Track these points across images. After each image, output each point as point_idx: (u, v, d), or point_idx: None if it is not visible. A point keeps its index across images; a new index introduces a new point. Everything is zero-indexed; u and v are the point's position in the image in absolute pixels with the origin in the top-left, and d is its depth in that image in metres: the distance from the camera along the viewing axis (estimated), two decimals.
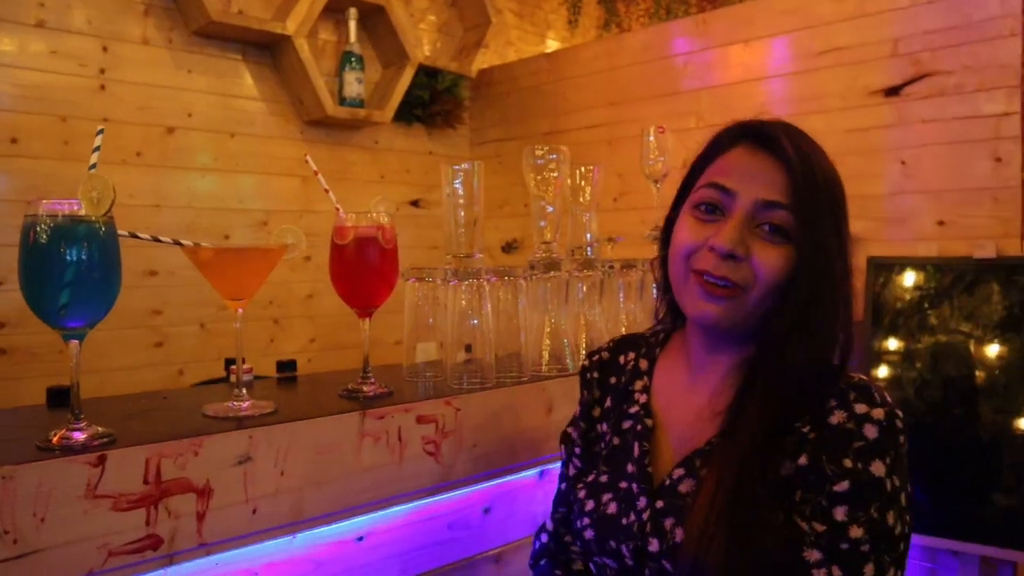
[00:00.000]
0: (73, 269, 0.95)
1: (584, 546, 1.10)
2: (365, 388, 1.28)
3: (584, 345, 1.60)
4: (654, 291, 1.71)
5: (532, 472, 1.49)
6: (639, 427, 1.09)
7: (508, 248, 3.62)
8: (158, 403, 1.25)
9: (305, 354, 3.15)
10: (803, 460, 0.93)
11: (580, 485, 1.12)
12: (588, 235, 1.78)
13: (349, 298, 1.31)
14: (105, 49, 2.73)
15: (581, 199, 1.78)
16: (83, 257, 0.95)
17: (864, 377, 0.98)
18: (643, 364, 1.16)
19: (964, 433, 2.19)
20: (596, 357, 1.23)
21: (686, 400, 1.09)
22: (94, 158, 1.04)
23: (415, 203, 3.64)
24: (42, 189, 2.57)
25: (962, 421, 2.20)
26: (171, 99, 2.88)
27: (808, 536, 0.90)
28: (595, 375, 1.21)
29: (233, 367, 1.50)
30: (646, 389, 1.13)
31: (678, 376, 1.12)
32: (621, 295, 1.68)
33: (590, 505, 1.08)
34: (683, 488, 0.99)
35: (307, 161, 1.31)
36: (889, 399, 0.95)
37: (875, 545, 0.89)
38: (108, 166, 2.68)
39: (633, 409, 1.12)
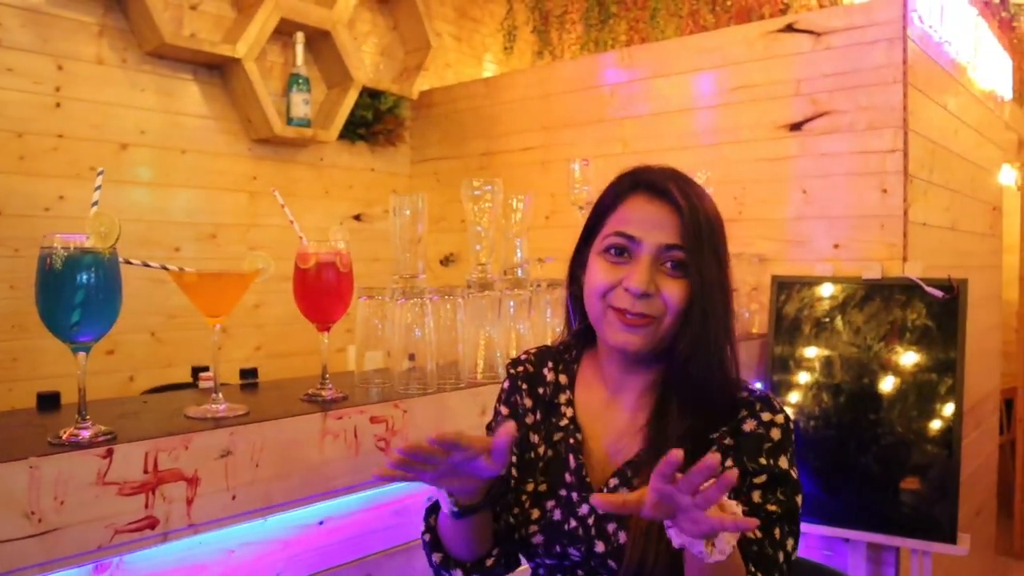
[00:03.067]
0: (83, 292, 1.12)
1: (529, 550, 1.21)
2: (324, 393, 1.47)
3: (515, 355, 1.81)
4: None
5: None
6: (571, 440, 1.22)
7: (446, 261, 3.82)
8: (140, 406, 1.42)
9: (251, 361, 3.29)
10: (729, 463, 1.13)
11: (522, 495, 1.22)
12: (518, 255, 1.99)
13: (310, 314, 1.49)
14: (60, 68, 2.84)
15: (513, 223, 1.99)
16: (91, 282, 1.12)
17: (759, 388, 1.19)
18: (563, 379, 1.29)
19: (851, 431, 2.47)
20: (521, 368, 1.33)
21: (607, 415, 1.23)
22: (96, 196, 1.20)
23: (357, 217, 3.82)
24: (0, 203, 2.68)
25: (850, 422, 2.48)
26: (124, 117, 3.00)
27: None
28: (524, 385, 1.30)
29: (202, 374, 1.67)
30: (571, 403, 1.26)
31: (597, 393, 1.26)
32: (548, 311, 1.89)
33: (536, 513, 1.20)
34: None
35: (275, 195, 1.49)
36: (782, 406, 1.18)
37: (783, 517, 1.11)
38: (64, 180, 2.81)
39: (563, 422, 1.24)
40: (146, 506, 1.12)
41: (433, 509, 1.25)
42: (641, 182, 1.20)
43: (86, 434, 1.12)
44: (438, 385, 1.60)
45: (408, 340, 1.62)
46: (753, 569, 1.06)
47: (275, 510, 1.29)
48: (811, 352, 2.59)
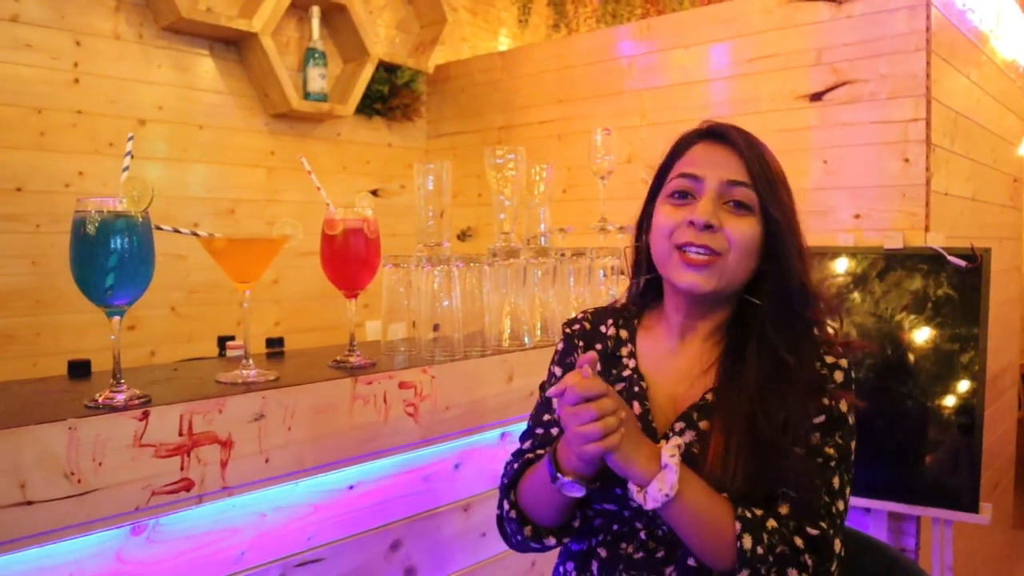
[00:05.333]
0: (117, 256, 1.12)
1: (582, 498, 1.17)
2: (352, 359, 1.48)
3: (539, 323, 1.81)
4: (601, 275, 1.94)
5: (495, 433, 1.70)
6: (636, 388, 1.23)
7: (463, 236, 3.82)
8: (171, 373, 1.43)
9: (271, 336, 3.30)
10: (793, 402, 1.13)
11: None
12: (542, 226, 1.99)
13: (338, 281, 1.49)
14: (78, 43, 2.85)
15: (535, 194, 1.99)
16: (125, 246, 1.13)
17: (827, 334, 1.21)
18: (623, 334, 1.30)
19: (872, 401, 2.46)
20: (578, 326, 1.33)
21: (671, 363, 1.24)
22: (127, 161, 1.21)
23: (375, 192, 3.81)
24: (21, 179, 2.68)
25: (870, 392, 2.47)
26: (142, 92, 3.00)
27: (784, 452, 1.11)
28: (580, 342, 1.31)
29: (229, 343, 1.68)
30: (632, 355, 1.27)
31: (661, 343, 1.27)
32: (571, 279, 1.89)
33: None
34: (687, 438, 1.15)
35: (302, 162, 1.49)
36: (844, 351, 1.20)
37: (839, 462, 1.13)
38: (83, 156, 2.82)
39: (625, 373, 1.25)
40: (182, 468, 1.13)
41: (511, 485, 1.25)
42: (703, 131, 1.24)
43: (121, 397, 1.13)
44: (464, 352, 1.61)
45: (434, 308, 1.62)
46: (799, 516, 1.08)
47: (307, 474, 1.30)
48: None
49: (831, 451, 1.13)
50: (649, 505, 1.03)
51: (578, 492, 1.10)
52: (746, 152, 1.18)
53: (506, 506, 1.24)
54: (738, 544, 1.04)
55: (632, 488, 1.06)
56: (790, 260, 1.17)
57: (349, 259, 1.47)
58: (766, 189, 1.17)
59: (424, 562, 1.57)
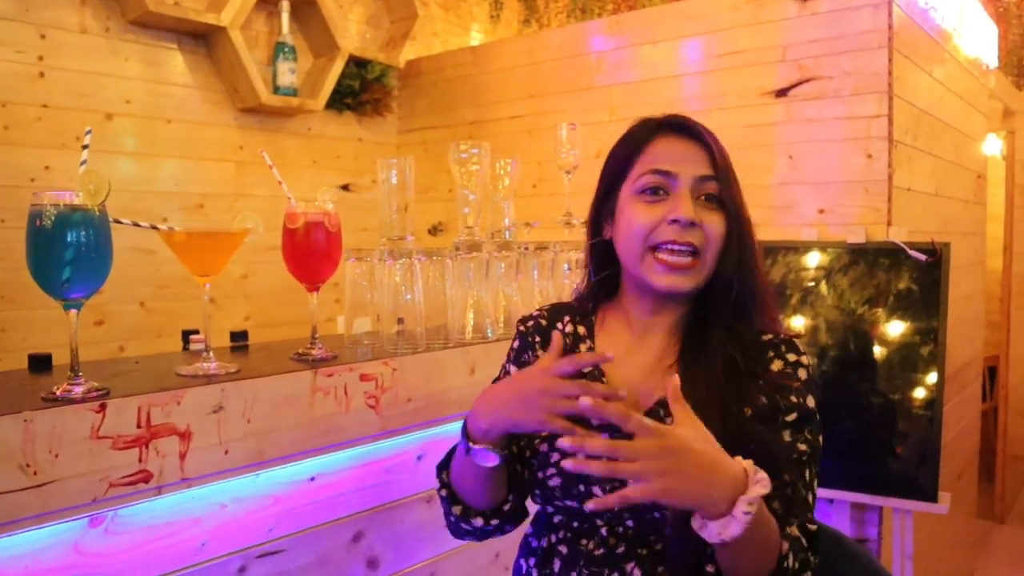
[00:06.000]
0: (73, 249, 1.13)
1: (546, 493, 1.19)
2: (314, 351, 1.49)
3: (503, 316, 1.82)
4: (565, 269, 1.95)
5: (457, 425, 1.71)
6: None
7: (434, 231, 3.83)
8: (132, 367, 1.43)
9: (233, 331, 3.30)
10: (763, 400, 1.14)
11: (540, 441, 1.21)
12: (506, 220, 2.00)
13: (299, 274, 1.50)
14: (43, 37, 2.82)
15: (500, 188, 2.00)
16: (81, 239, 1.13)
17: (782, 332, 1.21)
18: (581, 330, 1.29)
19: (835, 395, 2.50)
20: (532, 323, 1.32)
21: (632, 359, 1.22)
22: (84, 154, 1.21)
23: (345, 187, 3.81)
24: None
25: (834, 385, 2.51)
26: (109, 86, 2.99)
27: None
28: (536, 338, 1.30)
29: (193, 336, 1.68)
30: (591, 351, 1.26)
31: (620, 339, 1.25)
32: (535, 273, 1.91)
33: (555, 457, 1.17)
34: None
35: (263, 156, 1.50)
36: (803, 348, 1.20)
37: (811, 457, 1.13)
38: (49, 150, 2.80)
39: (586, 370, 1.20)
40: (140, 460, 1.14)
41: (444, 465, 1.27)
42: (665, 124, 1.22)
43: (79, 390, 1.14)
44: (427, 346, 1.62)
45: (397, 302, 1.64)
46: (787, 512, 1.07)
47: (267, 465, 1.31)
48: (795, 316, 2.62)
49: (803, 447, 1.13)
50: (705, 536, 0.97)
51: (492, 460, 1.12)
52: (712, 146, 1.18)
53: (438, 485, 1.26)
54: (784, 564, 1.02)
55: (706, 525, 0.97)
56: (748, 253, 1.19)
57: (310, 252, 1.48)
58: (727, 183, 1.17)
59: (386, 553, 1.58)
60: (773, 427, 1.13)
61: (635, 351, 1.23)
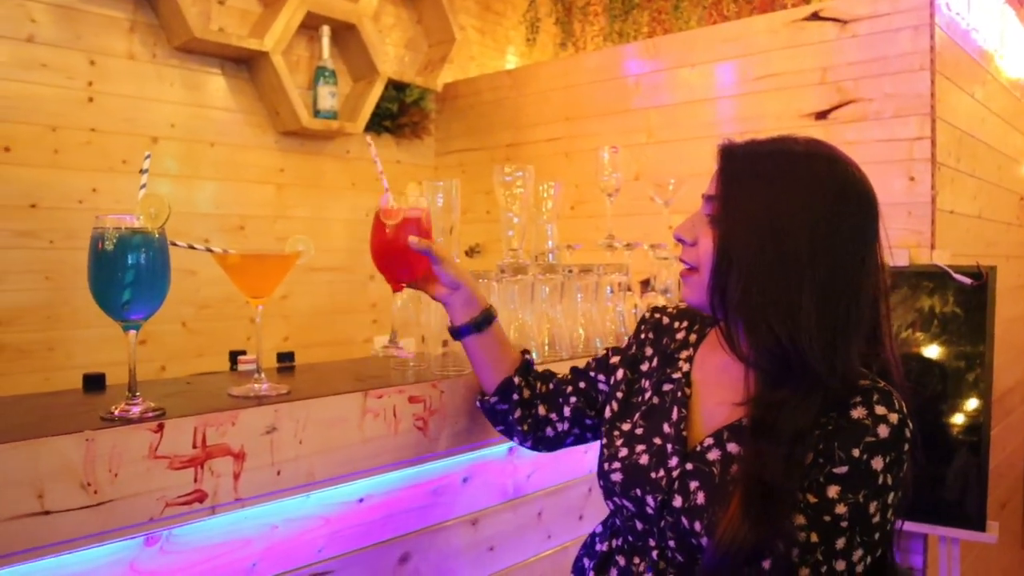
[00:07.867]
0: (133, 272, 1.15)
1: (608, 486, 1.23)
2: (395, 352, 1.51)
3: (547, 339, 1.82)
4: (608, 292, 1.95)
5: (503, 447, 1.72)
6: (679, 393, 1.22)
7: (471, 252, 3.84)
8: (184, 387, 1.45)
9: (281, 351, 3.33)
10: (821, 445, 1.05)
11: (616, 432, 1.27)
12: (550, 242, 2.01)
13: (389, 271, 1.47)
14: (93, 63, 2.89)
15: (543, 210, 2.01)
16: (141, 261, 1.15)
17: (886, 384, 1.10)
18: (692, 338, 1.30)
19: None
20: (657, 316, 1.38)
21: (720, 378, 1.21)
22: (144, 179, 1.23)
23: None
24: (35, 195, 2.72)
25: None
26: (155, 111, 3.05)
27: (800, 503, 1.01)
28: (650, 335, 1.36)
29: (241, 357, 1.70)
30: (690, 360, 1.27)
31: (718, 357, 1.21)
32: (579, 296, 1.91)
33: (624, 452, 1.22)
34: (711, 456, 1.13)
35: (368, 144, 1.48)
36: (905, 408, 1.06)
37: (852, 525, 1.00)
38: (97, 173, 2.86)
39: (676, 375, 1.26)
40: (195, 480, 1.15)
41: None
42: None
43: (136, 410, 1.15)
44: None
45: (443, 324, 1.64)
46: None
47: (318, 486, 1.31)
48: None
49: (843, 509, 1.00)
50: None
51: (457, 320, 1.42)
52: (725, 165, 1.15)
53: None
54: None
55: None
56: (752, 281, 1.09)
57: (405, 248, 1.41)
58: (725, 203, 1.12)
59: (432, 575, 1.58)
60: (814, 478, 1.03)
61: (726, 372, 1.19)
